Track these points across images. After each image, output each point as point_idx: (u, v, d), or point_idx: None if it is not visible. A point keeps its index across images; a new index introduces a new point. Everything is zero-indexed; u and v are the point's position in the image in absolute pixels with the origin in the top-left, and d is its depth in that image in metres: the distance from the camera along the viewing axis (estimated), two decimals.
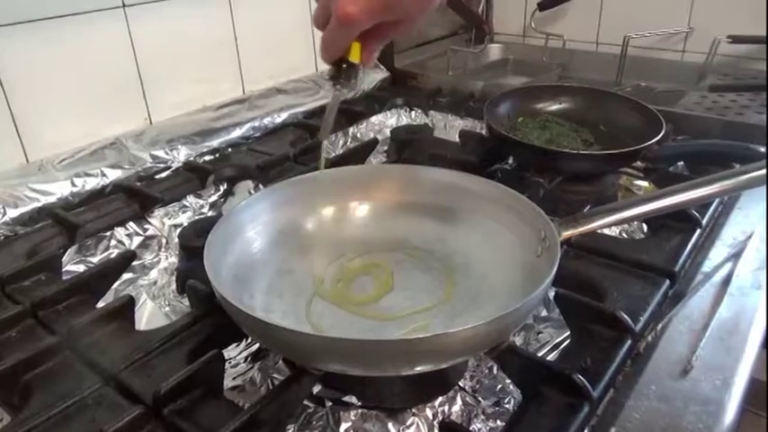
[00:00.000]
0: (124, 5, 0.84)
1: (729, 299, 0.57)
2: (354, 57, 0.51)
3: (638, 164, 0.82)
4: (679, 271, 0.60)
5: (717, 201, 0.72)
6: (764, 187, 0.56)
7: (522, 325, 0.55)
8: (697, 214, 0.67)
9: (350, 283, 0.58)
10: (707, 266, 0.62)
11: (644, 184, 0.84)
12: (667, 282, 0.58)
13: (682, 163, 0.84)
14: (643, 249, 0.63)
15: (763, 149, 0.77)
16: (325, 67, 1.26)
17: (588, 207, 0.74)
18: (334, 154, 0.95)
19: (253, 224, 0.59)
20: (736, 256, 0.63)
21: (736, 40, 1.14)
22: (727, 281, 0.59)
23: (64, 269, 0.66)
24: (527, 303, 0.44)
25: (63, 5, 0.78)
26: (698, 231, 0.66)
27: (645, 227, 0.73)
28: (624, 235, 0.73)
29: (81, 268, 0.67)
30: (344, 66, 0.52)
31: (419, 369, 0.44)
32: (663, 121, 0.79)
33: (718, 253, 0.64)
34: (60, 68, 0.80)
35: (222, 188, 0.83)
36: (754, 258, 0.63)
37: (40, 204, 0.73)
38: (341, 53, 0.51)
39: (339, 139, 1.01)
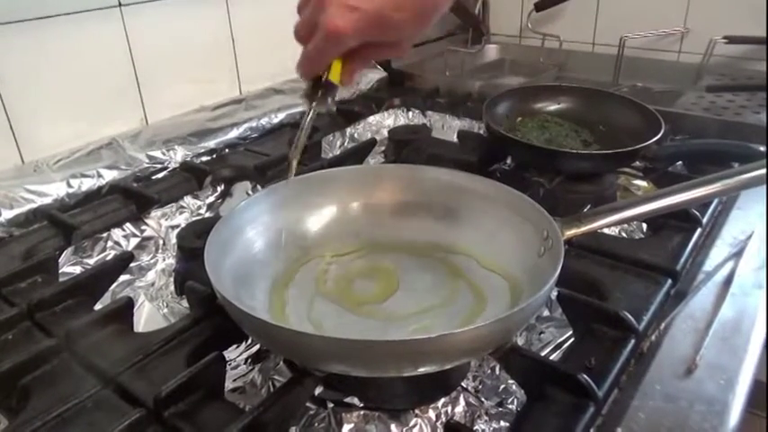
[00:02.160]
0: (120, 5, 0.83)
1: (731, 298, 0.57)
2: (334, 77, 0.49)
3: (638, 163, 0.82)
4: (681, 270, 0.60)
5: (716, 200, 0.72)
6: (764, 187, 0.56)
7: (526, 325, 0.55)
8: (697, 213, 0.67)
9: (352, 282, 0.58)
10: (708, 266, 0.62)
11: (643, 183, 0.84)
12: (669, 281, 0.58)
13: (680, 163, 0.84)
14: (644, 249, 0.63)
15: (761, 149, 0.77)
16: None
17: (588, 207, 0.73)
18: (331, 155, 0.94)
19: (253, 224, 0.58)
20: (736, 256, 0.63)
21: (732, 40, 1.14)
22: (728, 280, 0.59)
23: (60, 271, 0.65)
24: (532, 303, 0.43)
25: (59, 5, 0.77)
26: (698, 230, 0.66)
27: (644, 226, 0.73)
28: (624, 234, 0.73)
29: (78, 270, 0.66)
30: (322, 84, 0.50)
31: (423, 370, 0.43)
32: (661, 121, 0.80)
33: (718, 252, 0.64)
34: (56, 68, 0.79)
35: (219, 189, 0.83)
36: (754, 258, 0.63)
37: (35, 205, 0.72)
38: (321, 70, 0.49)
39: (337, 139, 1.01)
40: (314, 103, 0.51)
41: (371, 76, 1.21)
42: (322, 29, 0.45)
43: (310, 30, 0.46)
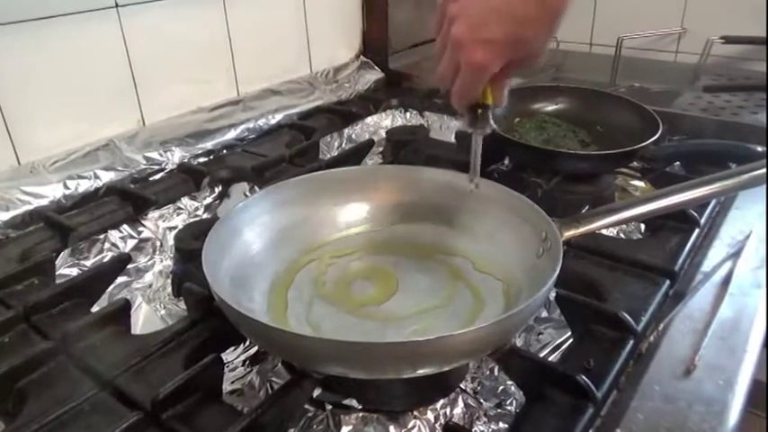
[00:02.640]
0: (117, 6, 0.83)
1: (730, 298, 0.57)
2: (487, 99, 0.52)
3: (635, 164, 0.82)
4: (679, 270, 0.60)
5: (714, 201, 0.72)
6: (763, 187, 0.56)
7: (525, 326, 0.55)
8: (695, 214, 0.67)
9: (351, 284, 0.58)
10: (706, 266, 0.62)
11: (640, 184, 0.85)
12: (667, 282, 0.58)
13: (678, 163, 0.84)
14: (642, 249, 0.63)
15: (759, 149, 0.77)
16: (320, 68, 1.25)
17: (586, 207, 0.73)
18: (329, 156, 0.94)
19: (251, 226, 0.58)
20: (735, 256, 0.63)
21: (729, 40, 1.14)
22: (726, 280, 0.59)
23: (57, 273, 0.64)
24: (531, 304, 0.43)
25: (55, 6, 0.77)
26: (696, 231, 0.66)
27: (642, 227, 0.73)
28: (622, 235, 0.73)
29: (74, 272, 0.66)
30: (479, 109, 0.53)
31: (421, 372, 0.43)
32: (659, 122, 0.79)
33: (716, 253, 0.64)
34: (52, 69, 0.79)
35: (217, 190, 0.83)
36: (753, 258, 0.63)
37: (32, 207, 0.72)
38: (475, 99, 0.53)
39: (334, 140, 1.00)
40: (478, 129, 0.54)
41: (369, 77, 1.21)
42: (465, 66, 0.48)
43: (454, 69, 0.49)
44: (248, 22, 1.02)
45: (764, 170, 0.53)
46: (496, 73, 0.49)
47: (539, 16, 0.47)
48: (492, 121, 0.54)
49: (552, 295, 0.55)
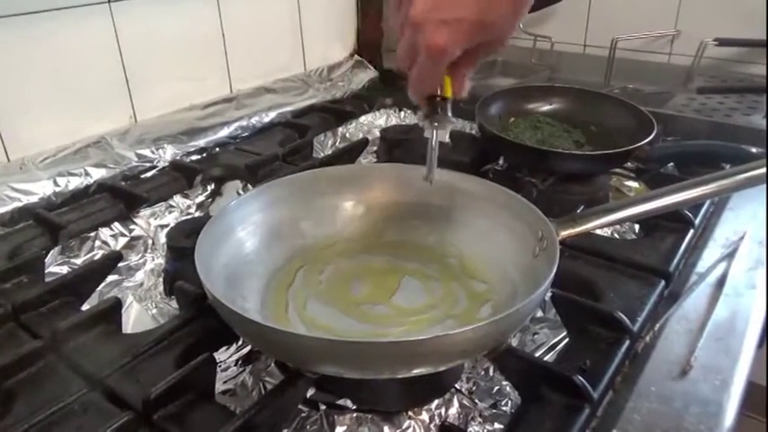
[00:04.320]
0: (109, 1, 0.82)
1: (724, 299, 0.57)
2: (447, 92, 0.49)
3: (630, 164, 0.82)
4: (674, 271, 0.60)
5: (708, 202, 0.72)
6: (756, 188, 0.56)
7: (521, 326, 0.55)
8: (690, 214, 0.67)
9: (345, 283, 0.57)
10: (701, 267, 0.62)
11: (634, 184, 0.85)
12: (663, 282, 0.58)
13: (672, 164, 0.84)
14: (637, 250, 0.63)
15: (752, 150, 0.77)
16: (314, 66, 1.25)
17: (581, 208, 0.73)
18: (323, 154, 0.94)
19: (244, 224, 0.57)
20: (729, 257, 0.63)
21: (722, 42, 1.15)
22: (721, 281, 0.59)
23: (46, 271, 0.64)
24: (528, 304, 0.43)
25: (47, 0, 0.76)
26: (691, 232, 0.66)
27: (637, 227, 0.73)
28: (616, 235, 0.73)
29: (64, 270, 0.65)
30: (436, 102, 0.50)
31: (417, 371, 0.43)
32: (654, 122, 0.80)
33: (711, 253, 0.64)
34: (43, 65, 0.78)
35: (210, 188, 0.82)
36: (747, 259, 0.63)
37: (21, 204, 0.71)
38: (434, 89, 0.49)
39: (328, 139, 1.00)
40: (435, 123, 0.51)
41: (363, 76, 1.21)
42: (424, 50, 0.44)
43: (412, 54, 0.46)
44: (242, 19, 1.01)
45: (760, 171, 0.53)
46: (457, 60, 0.46)
47: None
48: (451, 116, 0.51)
49: (548, 295, 0.55)
